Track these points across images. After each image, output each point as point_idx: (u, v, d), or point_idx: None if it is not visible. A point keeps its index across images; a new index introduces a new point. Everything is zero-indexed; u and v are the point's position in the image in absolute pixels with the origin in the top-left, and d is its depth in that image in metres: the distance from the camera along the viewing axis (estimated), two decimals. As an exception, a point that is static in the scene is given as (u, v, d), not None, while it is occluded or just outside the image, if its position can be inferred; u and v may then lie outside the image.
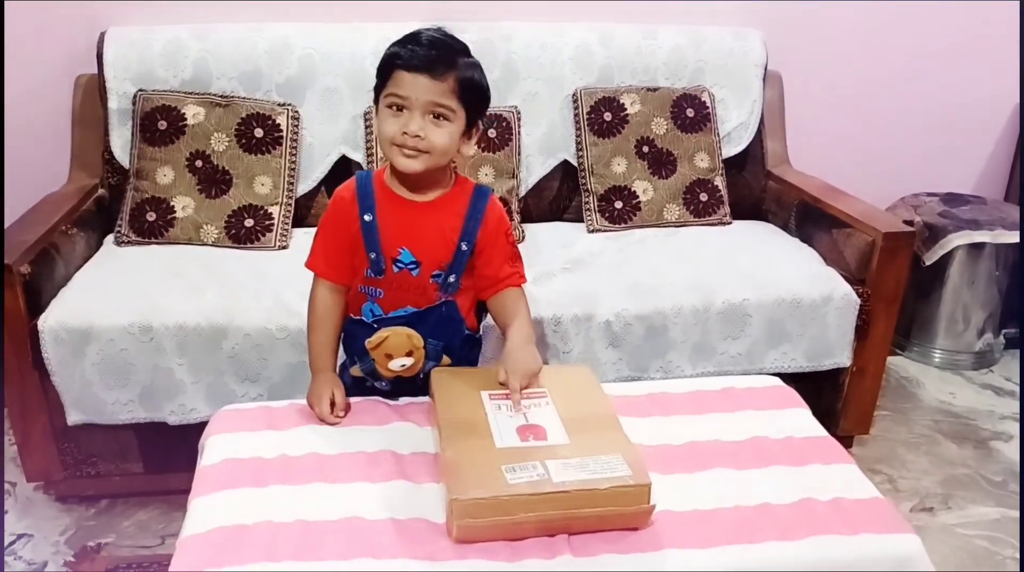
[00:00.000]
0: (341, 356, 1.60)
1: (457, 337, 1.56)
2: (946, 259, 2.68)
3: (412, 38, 1.40)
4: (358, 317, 1.53)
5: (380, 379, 1.55)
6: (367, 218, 1.47)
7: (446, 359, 1.55)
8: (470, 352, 1.62)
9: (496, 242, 1.53)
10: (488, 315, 1.62)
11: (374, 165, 2.26)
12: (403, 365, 1.51)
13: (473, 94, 1.42)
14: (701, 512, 1.28)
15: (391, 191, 1.49)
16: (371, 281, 1.51)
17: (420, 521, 1.23)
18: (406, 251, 1.48)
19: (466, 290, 1.55)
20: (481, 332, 1.66)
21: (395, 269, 1.49)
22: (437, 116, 1.39)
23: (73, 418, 1.83)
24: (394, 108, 1.39)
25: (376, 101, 1.44)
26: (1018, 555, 1.95)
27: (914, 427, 2.45)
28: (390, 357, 1.50)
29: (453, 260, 1.50)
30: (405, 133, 1.38)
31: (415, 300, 1.51)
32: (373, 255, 1.48)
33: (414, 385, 1.56)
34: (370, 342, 1.49)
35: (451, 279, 1.51)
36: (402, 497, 1.28)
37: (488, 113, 2.25)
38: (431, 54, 1.37)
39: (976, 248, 2.65)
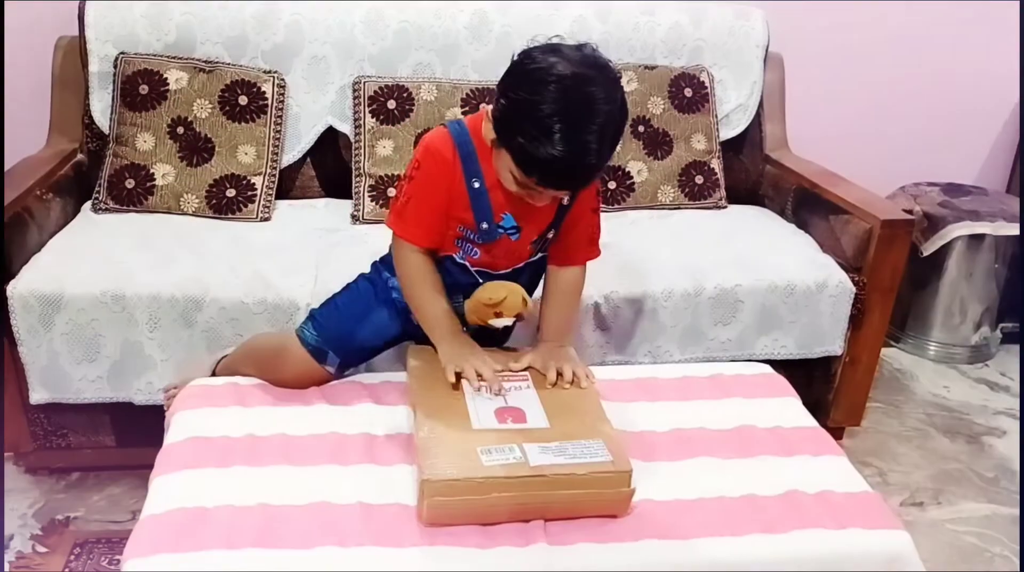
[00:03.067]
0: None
1: (534, 289, 1.53)
2: (945, 250, 2.62)
3: (576, 143, 1.20)
4: (454, 256, 1.44)
5: (465, 324, 1.47)
6: (475, 185, 1.36)
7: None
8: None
9: (586, 205, 1.46)
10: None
11: (362, 138, 2.19)
12: (505, 325, 1.45)
13: None
14: (683, 502, 1.24)
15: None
16: (469, 241, 1.42)
17: (390, 506, 1.19)
18: (508, 217, 1.39)
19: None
20: None
21: (495, 235, 1.41)
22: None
23: (37, 396, 1.78)
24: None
25: (499, 134, 1.28)
26: (1008, 552, 1.91)
27: (906, 420, 2.41)
28: (499, 315, 1.42)
29: (555, 217, 1.44)
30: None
31: (509, 261, 1.45)
32: (485, 225, 1.38)
33: (491, 336, 1.50)
34: (490, 300, 1.40)
35: (550, 235, 1.46)
36: (372, 481, 1.23)
37: (481, 88, 2.24)
38: (588, 175, 1.27)
39: (976, 240, 2.60)
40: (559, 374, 1.40)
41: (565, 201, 1.41)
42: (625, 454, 1.21)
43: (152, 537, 1.10)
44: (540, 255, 1.49)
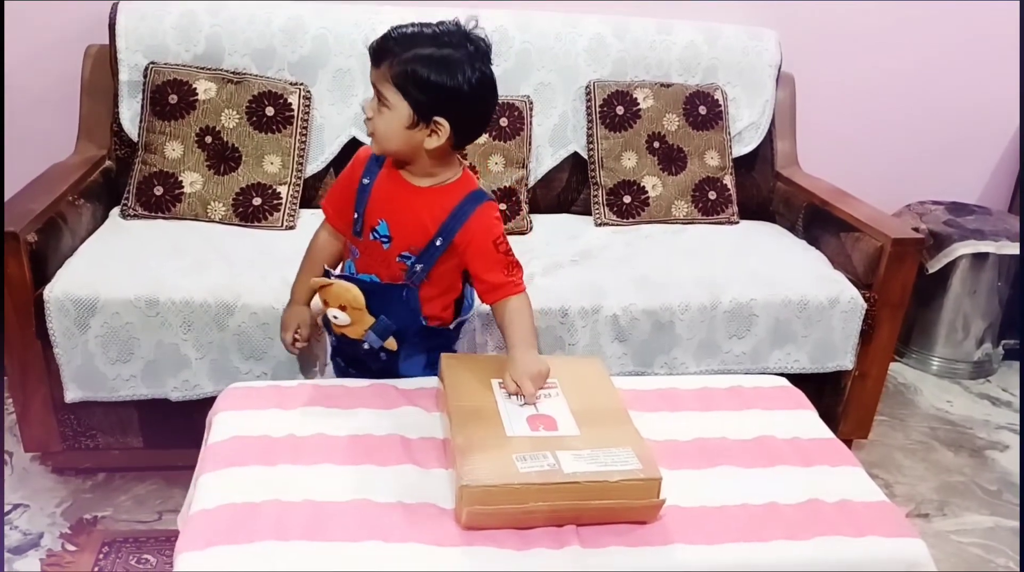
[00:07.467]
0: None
1: (412, 325, 1.57)
2: (949, 268, 2.68)
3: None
4: (333, 267, 1.65)
5: (331, 331, 1.64)
6: (365, 181, 1.56)
7: (392, 341, 1.57)
8: (426, 341, 1.60)
9: (481, 249, 1.51)
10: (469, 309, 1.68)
11: (384, 149, 2.24)
12: (335, 317, 1.55)
13: (410, 86, 1.38)
14: (708, 508, 1.29)
15: (395, 168, 1.54)
16: (353, 239, 1.59)
17: (428, 506, 1.23)
18: (383, 223, 1.53)
19: (435, 284, 1.56)
20: (453, 327, 1.64)
21: (371, 237, 1.55)
22: (380, 102, 1.44)
23: (72, 395, 1.82)
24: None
25: None
26: (1012, 564, 1.96)
27: (911, 433, 2.46)
28: (326, 304, 1.56)
29: (424, 250, 1.52)
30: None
31: (381, 272, 1.56)
32: (356, 215, 1.57)
33: (355, 354, 1.62)
34: (314, 282, 1.57)
35: (417, 268, 1.53)
36: (410, 481, 1.27)
37: (502, 102, 2.28)
38: (378, 44, 1.44)
39: (979, 258, 2.66)
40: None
41: (439, 242, 1.50)
42: (654, 462, 1.25)
43: (204, 531, 1.14)
44: (408, 284, 1.53)
